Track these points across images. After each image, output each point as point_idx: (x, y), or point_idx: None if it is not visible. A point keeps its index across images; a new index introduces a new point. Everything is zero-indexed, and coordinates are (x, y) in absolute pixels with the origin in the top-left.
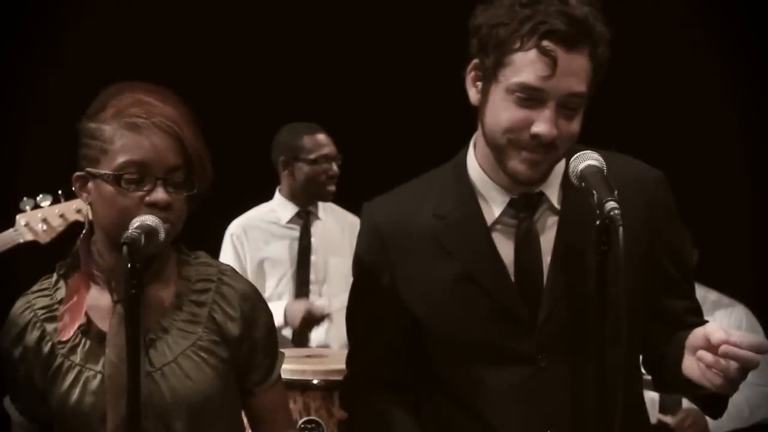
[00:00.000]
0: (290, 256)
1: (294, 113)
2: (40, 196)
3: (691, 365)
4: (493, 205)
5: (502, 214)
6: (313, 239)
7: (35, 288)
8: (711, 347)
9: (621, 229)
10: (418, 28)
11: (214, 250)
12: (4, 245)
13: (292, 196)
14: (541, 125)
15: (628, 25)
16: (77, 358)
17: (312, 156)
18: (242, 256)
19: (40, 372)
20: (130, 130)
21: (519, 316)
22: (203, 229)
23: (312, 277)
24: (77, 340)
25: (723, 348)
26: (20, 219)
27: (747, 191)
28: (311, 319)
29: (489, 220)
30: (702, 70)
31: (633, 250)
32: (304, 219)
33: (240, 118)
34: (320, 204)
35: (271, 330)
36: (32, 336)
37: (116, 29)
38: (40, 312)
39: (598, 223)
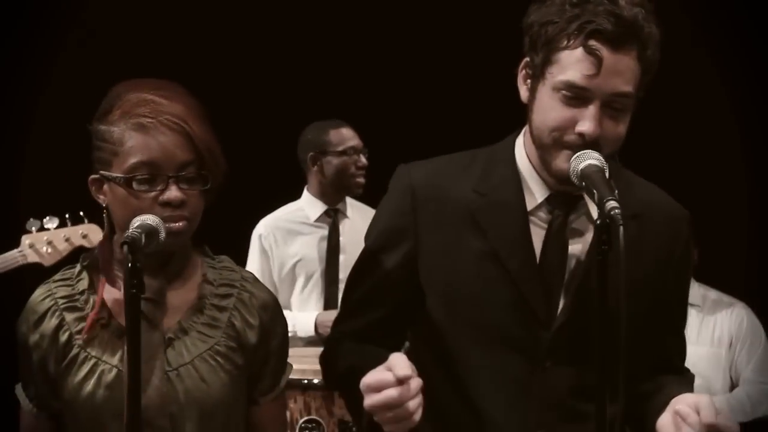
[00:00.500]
0: (319, 255)
1: (317, 113)
2: (47, 217)
3: (667, 424)
4: (534, 195)
5: (539, 206)
6: (341, 238)
7: (57, 277)
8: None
9: (621, 228)
10: (436, 25)
11: (242, 252)
12: (7, 265)
13: (321, 194)
14: (586, 123)
15: None
16: (94, 350)
17: (340, 148)
18: (271, 256)
19: (54, 361)
20: (138, 131)
21: (536, 310)
22: (231, 231)
23: (341, 275)
24: (96, 332)
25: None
26: (25, 240)
27: (747, 191)
28: None
29: (528, 208)
30: (702, 68)
31: (646, 277)
32: (333, 217)
33: (265, 119)
34: (348, 202)
35: (286, 341)
36: (50, 324)
37: (136, 33)
38: (61, 301)
39: (598, 222)
